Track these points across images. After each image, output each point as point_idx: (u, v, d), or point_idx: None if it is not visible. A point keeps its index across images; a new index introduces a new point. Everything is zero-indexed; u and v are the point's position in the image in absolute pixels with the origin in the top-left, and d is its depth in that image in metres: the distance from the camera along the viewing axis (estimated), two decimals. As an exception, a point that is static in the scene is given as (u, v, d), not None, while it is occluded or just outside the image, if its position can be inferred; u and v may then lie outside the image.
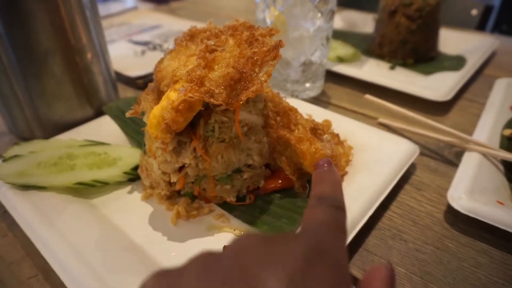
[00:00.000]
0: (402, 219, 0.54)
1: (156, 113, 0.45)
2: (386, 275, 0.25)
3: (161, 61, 0.52)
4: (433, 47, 1.04)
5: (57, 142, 0.63)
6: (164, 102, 0.44)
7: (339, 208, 0.29)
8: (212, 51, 0.47)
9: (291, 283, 0.20)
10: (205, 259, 0.23)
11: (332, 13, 0.76)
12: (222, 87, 0.44)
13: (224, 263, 0.23)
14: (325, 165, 0.35)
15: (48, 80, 0.65)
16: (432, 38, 1.02)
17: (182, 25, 1.28)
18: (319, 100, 0.86)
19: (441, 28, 1.05)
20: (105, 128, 0.69)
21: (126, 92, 0.89)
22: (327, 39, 0.79)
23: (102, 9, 1.57)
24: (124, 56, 1.04)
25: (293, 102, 0.72)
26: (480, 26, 1.44)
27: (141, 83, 0.90)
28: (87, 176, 0.56)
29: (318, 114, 0.68)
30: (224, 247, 0.26)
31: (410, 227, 0.52)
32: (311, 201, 0.30)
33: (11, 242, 0.51)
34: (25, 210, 0.50)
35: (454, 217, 0.54)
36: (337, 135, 0.62)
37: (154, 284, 0.23)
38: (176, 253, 0.47)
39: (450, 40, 1.10)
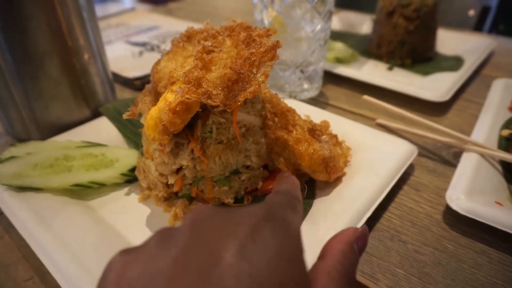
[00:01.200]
0: (400, 220, 0.54)
1: (153, 114, 0.44)
2: (353, 235, 0.29)
3: (158, 62, 0.52)
4: (431, 47, 1.04)
5: (54, 143, 0.62)
6: (161, 103, 0.44)
7: (296, 198, 0.31)
8: (209, 52, 0.46)
9: (243, 250, 0.22)
10: (163, 234, 0.25)
11: (330, 14, 0.76)
12: (220, 88, 0.44)
13: (181, 236, 0.24)
14: (286, 174, 0.39)
15: (45, 81, 0.64)
16: (429, 38, 1.02)
17: (180, 26, 1.28)
18: (317, 101, 0.86)
19: (439, 29, 1.05)
20: (102, 129, 0.68)
21: (123, 93, 0.89)
22: (325, 40, 0.79)
23: (100, 10, 1.57)
24: (122, 57, 1.04)
25: (291, 103, 0.72)
26: (478, 26, 1.45)
27: (138, 84, 0.90)
28: (84, 177, 0.56)
29: (316, 115, 0.68)
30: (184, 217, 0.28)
31: (409, 228, 0.52)
32: (271, 194, 0.32)
33: (7, 244, 0.50)
34: (21, 212, 0.50)
35: (453, 218, 0.53)
36: (335, 136, 0.62)
37: (117, 261, 0.25)
38: (173, 255, 0.47)
39: (447, 41, 1.10)
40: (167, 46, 1.10)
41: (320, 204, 0.52)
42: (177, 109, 0.43)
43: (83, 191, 0.56)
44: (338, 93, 0.89)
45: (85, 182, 0.55)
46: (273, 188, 0.34)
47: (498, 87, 0.82)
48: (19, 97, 0.64)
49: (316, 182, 0.56)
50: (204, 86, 0.44)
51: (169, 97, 0.44)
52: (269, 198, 0.30)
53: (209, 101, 0.43)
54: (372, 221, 0.53)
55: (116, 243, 0.48)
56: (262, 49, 0.45)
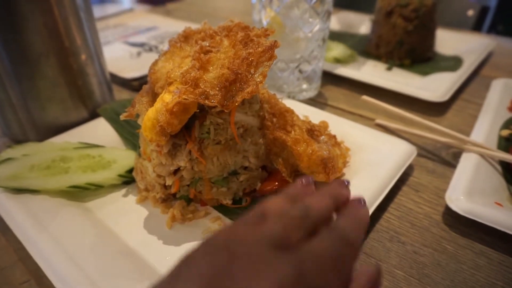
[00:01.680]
0: (400, 221, 0.53)
1: (151, 115, 0.44)
2: (372, 273, 0.28)
3: (155, 63, 0.51)
4: (429, 47, 1.04)
5: (51, 144, 0.62)
6: (158, 104, 0.44)
7: (353, 247, 0.27)
8: (207, 52, 0.46)
9: None
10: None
11: (328, 14, 0.76)
12: (217, 88, 0.44)
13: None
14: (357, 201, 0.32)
15: (42, 82, 0.64)
16: (428, 38, 1.02)
17: (178, 26, 1.27)
18: (316, 101, 0.86)
19: (438, 29, 1.05)
20: (100, 130, 0.68)
21: (121, 94, 0.88)
22: (324, 40, 0.78)
23: (99, 11, 1.56)
24: (120, 57, 1.03)
25: (289, 103, 0.72)
26: (476, 26, 1.44)
27: (136, 84, 0.90)
28: (81, 179, 0.55)
29: (315, 115, 0.68)
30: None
31: (408, 229, 0.52)
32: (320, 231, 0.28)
33: (3, 247, 0.50)
34: (17, 214, 0.49)
35: (452, 218, 0.53)
36: (334, 137, 0.61)
37: None
38: (170, 257, 0.46)
39: (446, 41, 1.10)
40: (165, 46, 1.09)
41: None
42: (174, 110, 0.43)
43: (80, 193, 0.56)
44: (337, 93, 0.89)
45: (82, 184, 0.55)
46: (326, 211, 0.29)
47: (497, 87, 0.82)
48: (16, 98, 0.64)
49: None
50: (202, 87, 0.43)
51: (166, 98, 0.44)
52: (313, 243, 0.26)
53: (207, 102, 0.43)
54: (371, 222, 0.52)
55: (114, 245, 0.47)
56: (260, 49, 0.45)
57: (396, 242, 0.50)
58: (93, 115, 0.73)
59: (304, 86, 0.83)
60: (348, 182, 0.33)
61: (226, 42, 0.47)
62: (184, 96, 0.42)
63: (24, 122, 0.67)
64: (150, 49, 1.09)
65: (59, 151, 0.59)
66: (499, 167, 0.59)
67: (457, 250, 0.49)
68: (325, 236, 0.27)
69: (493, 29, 1.70)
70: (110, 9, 1.55)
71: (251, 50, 0.45)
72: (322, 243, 0.26)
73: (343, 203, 0.31)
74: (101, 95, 0.75)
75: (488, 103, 0.76)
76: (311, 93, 0.86)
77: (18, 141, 0.69)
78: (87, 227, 0.50)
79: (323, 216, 0.29)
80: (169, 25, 1.30)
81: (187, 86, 0.43)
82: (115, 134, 0.68)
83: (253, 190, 0.56)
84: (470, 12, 1.45)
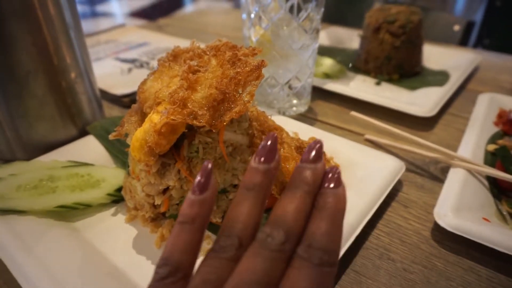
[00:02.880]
0: (389, 238, 0.53)
1: (139, 136, 0.44)
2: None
3: (144, 82, 0.52)
4: (417, 62, 1.05)
5: (39, 163, 0.61)
6: (146, 124, 0.44)
7: (329, 264, 0.25)
8: (195, 71, 0.46)
9: None
10: None
11: (317, 31, 0.77)
12: (205, 108, 0.44)
13: None
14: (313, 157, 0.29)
15: (30, 100, 0.64)
16: (416, 54, 1.04)
17: (169, 42, 1.28)
18: (306, 117, 0.86)
19: (425, 44, 1.07)
20: (89, 148, 0.68)
21: (112, 111, 0.88)
22: (313, 56, 0.80)
23: (91, 25, 1.57)
24: (110, 74, 1.03)
25: (279, 119, 0.72)
26: (463, 41, 1.48)
27: (127, 101, 0.90)
28: (69, 198, 0.55)
29: (305, 131, 0.68)
30: None
31: (398, 246, 0.52)
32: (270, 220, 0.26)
33: (-12, 270, 0.49)
34: (2, 236, 0.48)
35: (441, 234, 0.53)
36: (324, 153, 0.62)
37: None
38: (159, 278, 0.46)
39: (433, 56, 1.12)
40: (156, 63, 1.10)
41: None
42: (163, 130, 0.43)
43: (68, 213, 0.55)
44: (327, 109, 0.90)
45: (70, 204, 0.54)
46: (275, 210, 0.27)
47: (483, 101, 0.83)
48: (3, 116, 0.63)
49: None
50: (190, 107, 0.43)
51: (154, 118, 0.44)
52: (291, 277, 0.24)
53: (195, 122, 0.43)
54: (360, 239, 0.53)
55: (101, 267, 0.47)
56: (247, 68, 0.46)
57: (386, 259, 0.50)
58: (82, 133, 0.73)
59: (294, 101, 0.84)
60: (321, 145, 0.30)
61: (214, 62, 0.47)
62: (172, 117, 0.42)
63: (12, 141, 0.66)
64: (141, 65, 1.09)
65: (47, 170, 0.59)
66: (486, 182, 0.59)
67: (446, 266, 0.49)
68: (304, 272, 0.24)
69: (479, 44, 1.74)
70: (102, 23, 1.56)
71: (238, 70, 0.46)
72: (303, 283, 0.24)
73: (316, 187, 0.28)
74: (91, 113, 0.75)
75: (474, 117, 0.77)
76: (301, 109, 0.87)
77: (6, 160, 0.68)
78: (75, 248, 0.49)
79: (292, 234, 0.25)
80: (161, 41, 1.31)
81: (175, 106, 0.43)
82: (105, 152, 0.68)
83: (243, 208, 0.56)
84: (456, 27, 1.48)
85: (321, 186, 0.28)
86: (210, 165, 0.28)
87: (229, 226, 0.26)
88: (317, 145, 0.29)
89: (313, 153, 0.29)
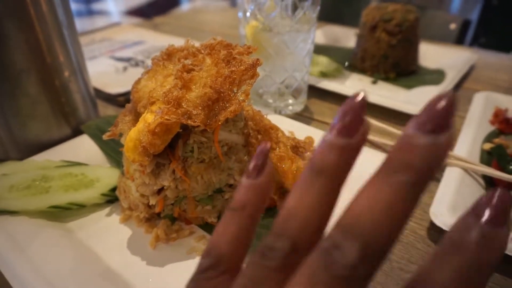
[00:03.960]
0: (385, 237, 0.53)
1: (133, 136, 0.44)
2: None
3: (138, 82, 0.51)
4: (413, 61, 1.05)
5: (32, 163, 0.61)
6: (140, 124, 0.43)
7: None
8: (189, 70, 0.46)
9: None
10: None
11: (313, 29, 0.76)
12: (200, 107, 0.43)
13: None
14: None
15: (23, 99, 0.63)
16: (412, 52, 1.04)
17: (165, 40, 1.27)
18: (302, 116, 0.86)
19: (421, 42, 1.07)
20: (83, 148, 0.67)
21: (106, 110, 0.88)
22: (309, 54, 0.79)
23: (88, 23, 1.56)
24: (105, 72, 1.02)
25: (275, 118, 0.72)
26: (459, 40, 1.48)
27: (122, 100, 0.89)
28: (63, 198, 0.54)
29: (301, 130, 0.68)
30: None
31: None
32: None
33: (-20, 271, 0.48)
34: (-6, 238, 0.48)
35: (437, 233, 0.53)
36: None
37: None
38: (153, 279, 0.45)
39: (430, 54, 1.12)
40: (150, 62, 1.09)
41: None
42: (157, 130, 0.42)
43: (61, 213, 0.54)
44: (323, 107, 0.90)
45: (64, 204, 0.53)
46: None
47: (479, 100, 0.83)
48: (-4, 116, 0.63)
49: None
50: (184, 106, 0.43)
51: (149, 118, 0.43)
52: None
53: (189, 122, 0.43)
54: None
55: (95, 268, 0.46)
56: (242, 67, 0.45)
57: (382, 259, 0.50)
58: (76, 132, 0.72)
59: (290, 100, 0.84)
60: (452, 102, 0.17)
61: (208, 61, 0.47)
62: (166, 117, 0.42)
63: (5, 140, 0.65)
64: (137, 64, 1.08)
65: (40, 170, 0.58)
66: (482, 181, 0.59)
67: (442, 266, 0.49)
68: None
69: (475, 42, 1.74)
70: (98, 21, 1.54)
71: (233, 69, 0.45)
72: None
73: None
74: (85, 112, 0.74)
75: (470, 116, 0.77)
76: (297, 108, 0.86)
77: (-1, 159, 0.67)
78: (68, 249, 0.48)
79: (372, 251, 0.17)
80: (156, 39, 1.30)
81: (169, 106, 0.42)
82: (99, 151, 0.67)
83: (239, 207, 0.55)
84: (453, 26, 1.48)
85: (470, 213, 0.18)
86: (268, 146, 0.24)
87: (283, 221, 0.20)
88: (446, 100, 0.17)
89: (436, 114, 0.17)
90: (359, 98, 0.20)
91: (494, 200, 0.17)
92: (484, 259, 0.16)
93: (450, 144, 0.17)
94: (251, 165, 0.23)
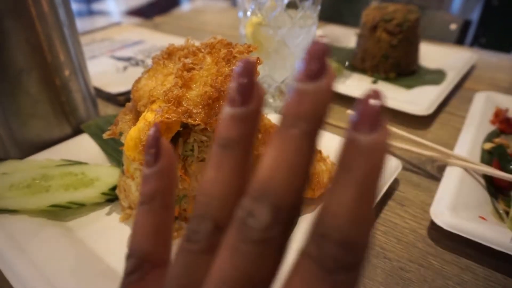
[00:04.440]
0: (385, 237, 0.53)
1: (133, 135, 0.44)
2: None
3: (138, 80, 0.51)
4: (414, 61, 1.05)
5: (32, 162, 0.61)
6: (141, 123, 0.43)
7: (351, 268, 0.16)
8: (190, 69, 0.46)
9: None
10: None
11: (313, 29, 0.76)
12: (200, 106, 0.43)
13: None
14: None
15: (23, 99, 0.63)
16: (412, 52, 1.04)
17: (165, 40, 1.27)
18: (303, 115, 0.86)
19: (422, 43, 1.07)
20: (83, 147, 0.67)
21: (107, 109, 0.88)
22: (309, 54, 0.79)
23: (88, 23, 1.56)
24: (105, 72, 1.02)
25: (276, 118, 0.72)
26: (459, 40, 1.48)
27: (122, 99, 0.89)
28: (63, 197, 0.54)
29: (301, 130, 0.68)
30: None
31: (394, 244, 0.52)
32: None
33: (-20, 270, 0.48)
34: (-6, 236, 0.48)
35: (438, 233, 0.53)
36: (320, 151, 0.61)
37: None
38: (154, 278, 0.45)
39: (430, 54, 1.12)
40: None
41: (304, 221, 0.51)
42: (157, 128, 0.42)
43: (61, 212, 0.54)
44: (323, 107, 0.90)
45: (64, 203, 0.53)
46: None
47: (479, 100, 0.83)
48: (-4, 115, 0.63)
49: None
50: (184, 105, 0.43)
51: (149, 117, 0.43)
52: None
53: (190, 120, 0.43)
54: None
55: (95, 267, 0.46)
56: (243, 66, 0.45)
57: (382, 258, 0.50)
58: (76, 132, 0.72)
59: (291, 100, 0.83)
60: (325, 49, 0.18)
61: (209, 59, 0.47)
62: (166, 115, 0.42)
63: (5, 139, 0.65)
64: (137, 64, 1.08)
65: (40, 169, 0.58)
66: (482, 181, 0.59)
67: (443, 265, 0.49)
68: (310, 284, 0.16)
69: (475, 42, 1.74)
70: (99, 21, 1.54)
71: (234, 67, 0.45)
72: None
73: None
74: (85, 111, 0.74)
75: (471, 116, 0.77)
76: (298, 107, 0.86)
77: (-1, 158, 0.67)
78: (68, 248, 0.48)
79: (283, 210, 0.17)
80: (157, 39, 1.30)
81: (169, 104, 0.42)
82: (100, 150, 0.67)
83: (239, 207, 0.55)
84: (453, 26, 1.48)
85: (350, 127, 0.17)
86: (157, 129, 0.23)
87: (201, 202, 0.20)
88: (319, 47, 0.18)
89: (313, 62, 0.18)
90: (250, 60, 0.20)
91: (363, 108, 0.17)
92: (374, 166, 0.16)
93: (330, 86, 0.18)
94: (146, 153, 0.22)
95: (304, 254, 0.17)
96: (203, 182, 0.20)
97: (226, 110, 0.20)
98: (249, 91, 0.19)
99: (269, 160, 0.17)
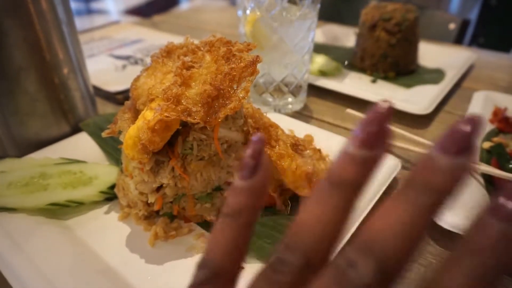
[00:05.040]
0: (385, 235, 0.53)
1: (132, 133, 0.43)
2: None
3: (137, 79, 0.51)
4: (413, 60, 1.05)
5: (31, 160, 0.60)
6: (140, 122, 0.43)
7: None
8: (189, 67, 0.46)
9: None
10: None
11: (313, 28, 0.76)
12: (200, 104, 0.43)
13: None
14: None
15: (22, 97, 0.63)
16: (411, 51, 1.04)
17: (164, 39, 1.27)
18: (302, 115, 0.86)
19: (420, 42, 1.07)
20: (82, 145, 0.67)
21: (105, 108, 0.87)
22: (309, 53, 0.79)
23: (87, 22, 1.56)
24: (104, 70, 1.02)
25: (275, 117, 0.72)
26: (458, 39, 1.48)
27: (121, 98, 0.89)
28: (61, 196, 0.54)
29: (300, 129, 0.68)
30: None
31: (393, 243, 0.52)
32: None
33: (-22, 269, 0.48)
34: (-8, 235, 0.48)
35: (437, 232, 0.53)
36: (319, 150, 0.61)
37: None
38: (152, 276, 0.45)
39: (429, 54, 1.12)
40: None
41: None
42: (156, 127, 0.42)
43: (60, 210, 0.54)
44: (322, 106, 0.90)
45: (62, 201, 0.53)
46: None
47: (478, 99, 0.83)
48: (-5, 113, 0.62)
49: (300, 197, 0.56)
50: (184, 103, 0.43)
51: (148, 115, 0.43)
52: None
53: (189, 119, 0.42)
54: (356, 237, 0.52)
55: (94, 265, 0.46)
56: (242, 64, 0.45)
57: (381, 257, 0.50)
58: (75, 130, 0.72)
59: (290, 99, 0.83)
60: (474, 130, 0.17)
61: (208, 58, 0.47)
62: (165, 114, 0.41)
63: (3, 138, 0.65)
64: (136, 62, 1.08)
65: (38, 167, 0.58)
66: (481, 180, 0.59)
67: (442, 264, 0.49)
68: None
69: (474, 42, 1.74)
70: (97, 20, 1.54)
71: (233, 65, 0.45)
72: None
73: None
74: (84, 109, 0.74)
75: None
76: (297, 106, 0.86)
77: (-3, 157, 0.67)
78: (66, 246, 0.48)
79: (388, 270, 0.17)
80: (155, 38, 1.30)
81: (169, 103, 0.42)
82: (98, 149, 0.67)
83: (238, 205, 0.55)
84: (452, 26, 1.48)
85: (484, 212, 0.17)
86: (262, 138, 0.21)
87: (296, 233, 0.19)
88: (467, 127, 0.17)
89: (458, 139, 0.17)
90: (385, 106, 0.18)
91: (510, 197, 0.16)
92: (502, 258, 0.16)
93: (470, 165, 0.17)
94: (244, 164, 0.21)
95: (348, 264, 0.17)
96: (302, 211, 0.19)
97: (350, 149, 0.19)
98: (381, 137, 0.19)
99: (385, 217, 0.17)
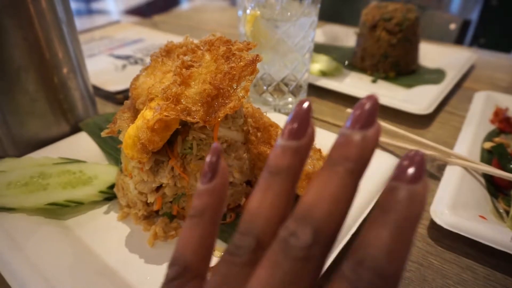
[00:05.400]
0: (385, 236, 0.53)
1: (131, 133, 0.43)
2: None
3: (136, 78, 0.51)
4: (413, 60, 1.05)
5: (30, 160, 0.60)
6: (139, 121, 0.43)
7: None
8: (189, 67, 0.46)
9: None
10: None
11: (313, 28, 0.76)
12: (199, 104, 0.43)
13: None
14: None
15: (21, 96, 0.62)
16: (412, 52, 1.04)
17: (164, 39, 1.26)
18: (302, 114, 0.86)
19: (421, 42, 1.06)
20: (81, 145, 0.67)
21: (105, 107, 0.87)
22: (309, 53, 0.79)
23: (87, 23, 1.55)
24: (104, 70, 1.02)
25: (275, 116, 0.72)
26: (459, 40, 1.48)
27: (120, 98, 0.88)
28: (61, 196, 0.54)
29: (300, 128, 0.68)
30: None
31: (394, 243, 0.52)
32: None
33: (-24, 269, 0.48)
34: (-9, 235, 0.47)
35: (438, 232, 0.53)
36: (319, 150, 0.61)
37: None
38: (151, 277, 0.45)
39: (430, 54, 1.12)
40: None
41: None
42: (156, 127, 0.42)
43: (59, 210, 0.54)
44: (323, 106, 0.89)
45: (61, 201, 0.53)
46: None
47: (479, 99, 0.83)
48: (-6, 113, 0.62)
49: (300, 197, 0.55)
50: (183, 103, 0.43)
51: (147, 115, 0.43)
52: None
53: (189, 118, 0.42)
54: (356, 237, 0.52)
55: (93, 265, 0.46)
56: (241, 63, 0.45)
57: (381, 257, 0.49)
58: (75, 130, 0.71)
59: (290, 99, 0.83)
60: (375, 103, 0.21)
61: (207, 57, 0.47)
62: (165, 113, 0.41)
63: (3, 138, 0.65)
64: (136, 62, 1.08)
65: (38, 167, 0.58)
66: (482, 180, 0.59)
67: (443, 265, 0.48)
68: None
69: (475, 42, 1.74)
70: (97, 20, 1.54)
71: (233, 65, 0.45)
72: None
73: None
74: (84, 109, 0.74)
75: (470, 115, 0.77)
76: (297, 106, 0.86)
77: (-4, 156, 0.67)
78: (65, 246, 0.48)
79: (323, 234, 0.19)
80: (155, 38, 1.29)
81: (168, 102, 0.42)
82: (98, 148, 0.67)
83: (238, 205, 0.55)
84: (452, 26, 1.48)
85: (393, 176, 0.19)
86: (219, 147, 0.24)
87: (247, 221, 0.21)
88: (370, 102, 0.21)
89: (362, 114, 0.21)
90: (305, 105, 0.22)
91: (413, 161, 0.20)
92: (413, 213, 0.18)
93: (377, 136, 0.20)
94: (204, 171, 0.24)
95: (340, 275, 0.19)
96: (250, 201, 0.22)
97: (280, 142, 0.22)
98: (305, 129, 0.22)
99: (315, 190, 0.20)
